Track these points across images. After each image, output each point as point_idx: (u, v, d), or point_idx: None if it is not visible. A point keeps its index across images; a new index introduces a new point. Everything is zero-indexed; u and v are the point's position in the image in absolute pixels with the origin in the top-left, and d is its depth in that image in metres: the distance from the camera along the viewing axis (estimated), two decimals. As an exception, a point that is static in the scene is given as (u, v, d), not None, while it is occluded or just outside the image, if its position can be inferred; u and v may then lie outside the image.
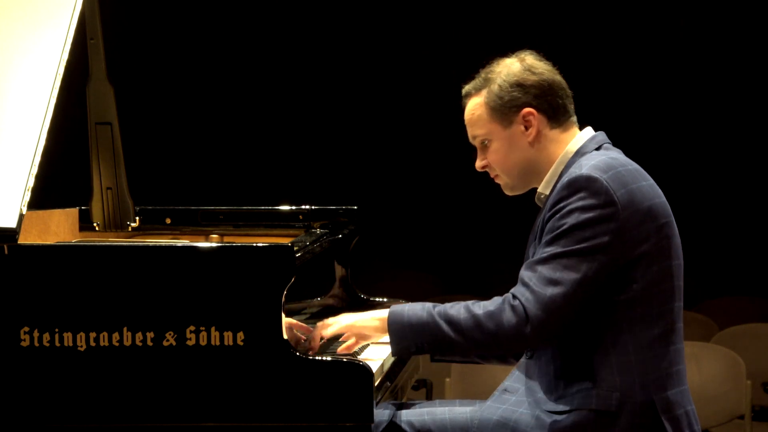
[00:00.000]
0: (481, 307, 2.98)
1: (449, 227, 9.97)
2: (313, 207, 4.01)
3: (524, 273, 2.98)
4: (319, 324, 3.23)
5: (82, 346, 2.96)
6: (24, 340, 2.97)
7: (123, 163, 3.88)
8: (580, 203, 2.93)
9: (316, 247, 3.48)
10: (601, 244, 2.91)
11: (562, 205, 2.96)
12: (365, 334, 3.17)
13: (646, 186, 3.02)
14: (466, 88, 3.20)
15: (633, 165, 3.06)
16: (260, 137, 9.74)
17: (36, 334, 2.97)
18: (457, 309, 3.00)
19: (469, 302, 3.02)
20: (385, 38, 9.72)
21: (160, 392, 2.95)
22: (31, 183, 3.11)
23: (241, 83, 9.70)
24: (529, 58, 3.16)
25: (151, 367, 2.95)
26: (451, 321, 2.99)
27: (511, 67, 3.14)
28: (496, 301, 2.98)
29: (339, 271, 3.92)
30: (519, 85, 3.11)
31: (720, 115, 9.44)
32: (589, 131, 3.17)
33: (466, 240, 9.92)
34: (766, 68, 9.26)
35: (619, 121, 9.26)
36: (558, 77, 3.15)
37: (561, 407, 2.99)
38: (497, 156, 3.15)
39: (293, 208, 4.02)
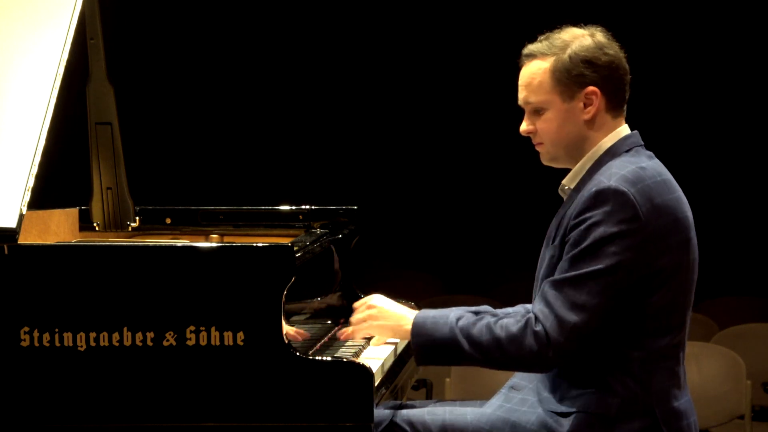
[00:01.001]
0: (503, 329, 2.95)
1: (450, 227, 9.97)
2: (313, 207, 4.01)
3: (549, 291, 2.94)
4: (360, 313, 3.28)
5: (82, 346, 2.96)
6: (24, 340, 2.97)
7: (123, 163, 3.88)
8: (605, 217, 2.90)
9: (316, 247, 3.48)
10: (624, 261, 2.88)
11: (587, 216, 2.92)
12: (388, 335, 3.25)
13: (673, 199, 2.98)
14: (531, 48, 3.11)
15: (663, 176, 3.02)
16: (260, 137, 9.74)
17: (36, 334, 2.97)
18: (479, 328, 2.98)
19: (491, 321, 2.99)
20: (385, 39, 9.72)
21: (160, 392, 2.95)
22: (31, 183, 3.11)
23: (241, 83, 9.70)
24: (600, 35, 3.09)
25: (151, 367, 2.95)
26: (472, 340, 2.97)
27: (583, 41, 3.06)
28: (519, 322, 2.94)
29: (339, 271, 3.91)
30: (590, 62, 3.04)
31: (719, 115, 9.44)
32: (625, 129, 3.12)
33: (466, 240, 9.92)
34: (763, 67, 9.26)
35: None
36: (625, 62, 3.11)
37: (563, 408, 2.99)
38: (548, 126, 3.08)
39: (293, 208, 4.02)
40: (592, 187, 2.96)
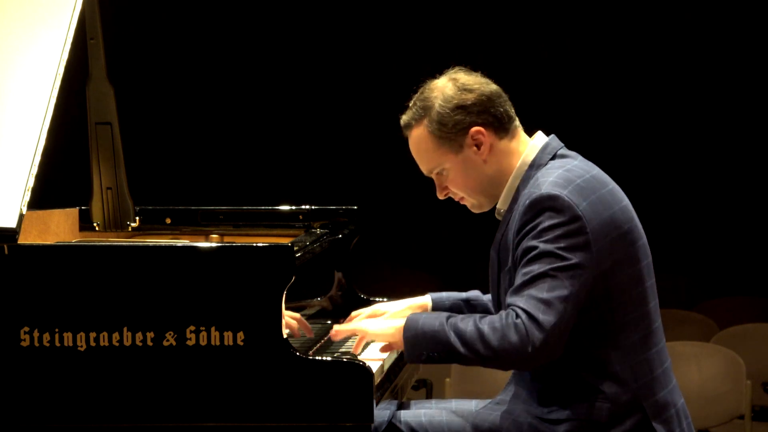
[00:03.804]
0: (487, 323, 2.92)
1: (449, 227, 9.97)
2: (313, 207, 4.01)
3: (513, 298, 2.92)
4: (349, 325, 3.25)
5: (82, 346, 2.96)
6: (24, 340, 2.97)
7: (123, 163, 3.88)
8: (547, 223, 2.90)
9: (316, 247, 3.49)
10: (576, 260, 2.88)
11: (529, 227, 2.92)
12: (381, 340, 3.18)
13: (606, 193, 2.99)
14: (404, 119, 3.15)
15: (590, 172, 3.02)
16: (260, 137, 9.74)
17: (36, 334, 2.97)
18: (466, 321, 2.95)
19: (478, 315, 2.97)
20: (385, 39, 9.72)
21: (160, 392, 2.96)
22: (31, 183, 3.11)
23: (241, 83, 9.70)
24: (460, 75, 3.11)
25: (151, 367, 2.95)
26: (458, 332, 2.94)
27: (445, 91, 3.08)
28: (501, 316, 2.92)
29: (339, 271, 3.92)
30: (459, 107, 3.05)
31: (719, 115, 9.44)
32: (540, 138, 3.12)
33: (466, 240, 9.92)
34: (765, 67, 9.26)
35: (617, 119, 9.27)
36: (492, 86, 3.10)
37: (554, 416, 3.00)
38: (456, 182, 3.11)
39: (293, 208, 4.02)
40: (525, 200, 2.96)
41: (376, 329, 3.15)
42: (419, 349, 3.00)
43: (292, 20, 9.68)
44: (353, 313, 3.38)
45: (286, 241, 3.19)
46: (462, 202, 3.18)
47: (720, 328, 6.53)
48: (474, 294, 3.43)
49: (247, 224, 4.03)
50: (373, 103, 9.77)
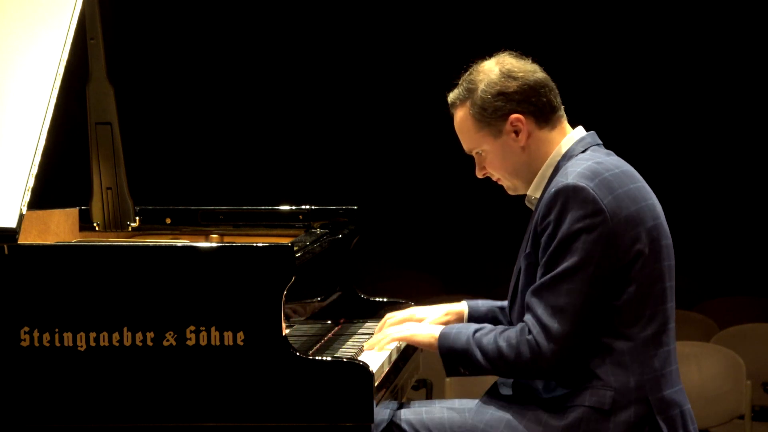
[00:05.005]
0: (504, 339, 3.01)
1: (449, 227, 9.97)
2: (313, 207, 4.01)
3: (531, 300, 2.98)
4: (389, 327, 3.31)
5: (82, 346, 2.96)
6: (24, 340, 2.97)
7: (123, 163, 3.88)
8: (568, 215, 2.93)
9: (316, 247, 3.49)
10: (594, 255, 2.91)
11: (550, 218, 2.96)
12: (422, 347, 3.29)
13: (634, 189, 3.01)
14: (451, 97, 3.20)
15: (621, 168, 3.04)
16: (260, 137, 9.74)
17: (36, 334, 2.97)
18: (488, 338, 3.04)
19: (500, 329, 3.05)
20: (385, 38, 9.72)
21: (160, 392, 2.96)
22: (31, 183, 3.11)
23: (241, 83, 9.70)
24: (508, 61, 3.13)
25: (151, 367, 2.95)
26: (482, 349, 3.04)
27: (490, 75, 3.11)
28: (516, 331, 2.99)
29: (339, 271, 3.92)
30: (501, 93, 3.09)
31: (719, 115, 9.44)
32: (579, 131, 3.15)
33: (466, 240, 9.92)
34: (765, 67, 9.26)
35: (617, 119, 9.27)
36: (539, 74, 3.12)
37: (557, 404, 3.01)
38: (493, 164, 3.16)
39: (293, 208, 4.02)
40: (551, 188, 2.99)
41: (421, 333, 3.21)
42: (451, 365, 3.13)
43: (292, 20, 9.69)
44: (387, 315, 3.40)
45: (286, 241, 3.20)
46: (499, 183, 3.23)
47: (720, 328, 6.53)
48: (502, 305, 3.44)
49: (247, 224, 4.03)
50: (373, 104, 9.78)
